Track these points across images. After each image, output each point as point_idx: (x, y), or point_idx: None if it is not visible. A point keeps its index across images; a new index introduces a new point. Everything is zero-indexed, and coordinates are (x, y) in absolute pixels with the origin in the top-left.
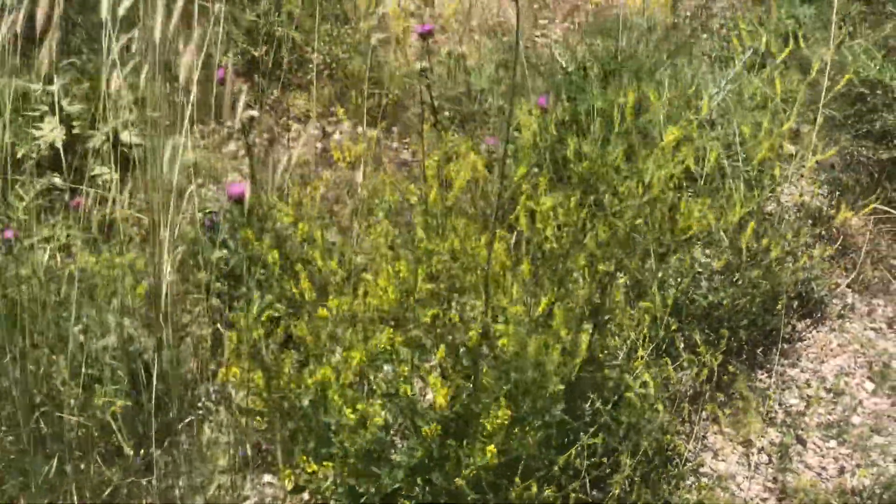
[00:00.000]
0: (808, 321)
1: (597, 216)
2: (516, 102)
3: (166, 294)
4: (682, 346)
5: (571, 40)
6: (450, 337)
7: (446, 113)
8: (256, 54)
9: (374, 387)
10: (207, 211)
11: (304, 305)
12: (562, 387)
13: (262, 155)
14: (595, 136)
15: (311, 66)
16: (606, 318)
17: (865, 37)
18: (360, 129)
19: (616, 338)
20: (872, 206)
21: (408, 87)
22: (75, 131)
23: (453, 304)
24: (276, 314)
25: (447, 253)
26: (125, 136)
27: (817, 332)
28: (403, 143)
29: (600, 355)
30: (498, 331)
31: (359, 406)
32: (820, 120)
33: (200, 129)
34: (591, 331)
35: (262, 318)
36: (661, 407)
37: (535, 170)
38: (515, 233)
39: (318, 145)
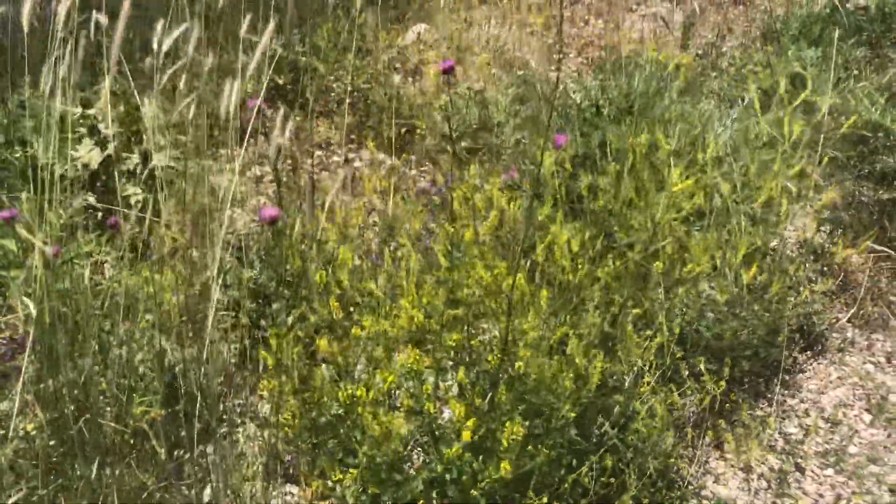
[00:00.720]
0: (809, 354)
1: (610, 249)
2: (533, 138)
3: (212, 312)
4: (686, 373)
5: (585, 76)
6: (468, 359)
7: (463, 144)
8: (281, 82)
9: (399, 403)
10: (236, 233)
11: (332, 323)
12: (573, 414)
13: (286, 180)
14: (608, 174)
15: (333, 95)
16: (616, 345)
17: (869, 80)
18: (380, 156)
19: (624, 364)
20: (870, 243)
21: (426, 117)
22: (110, 153)
23: (469, 328)
24: (301, 333)
25: (471, 280)
26: (159, 160)
27: (817, 364)
28: (421, 171)
29: (609, 380)
30: (518, 356)
31: (383, 419)
32: (824, 161)
33: (226, 154)
34: (602, 358)
35: (299, 335)
36: (666, 431)
37: (553, 205)
38: (530, 262)
39: (341, 171)
